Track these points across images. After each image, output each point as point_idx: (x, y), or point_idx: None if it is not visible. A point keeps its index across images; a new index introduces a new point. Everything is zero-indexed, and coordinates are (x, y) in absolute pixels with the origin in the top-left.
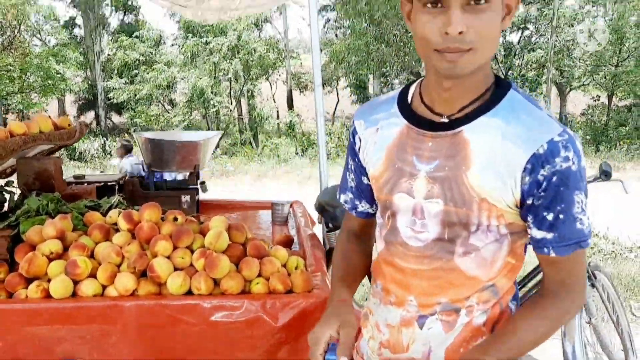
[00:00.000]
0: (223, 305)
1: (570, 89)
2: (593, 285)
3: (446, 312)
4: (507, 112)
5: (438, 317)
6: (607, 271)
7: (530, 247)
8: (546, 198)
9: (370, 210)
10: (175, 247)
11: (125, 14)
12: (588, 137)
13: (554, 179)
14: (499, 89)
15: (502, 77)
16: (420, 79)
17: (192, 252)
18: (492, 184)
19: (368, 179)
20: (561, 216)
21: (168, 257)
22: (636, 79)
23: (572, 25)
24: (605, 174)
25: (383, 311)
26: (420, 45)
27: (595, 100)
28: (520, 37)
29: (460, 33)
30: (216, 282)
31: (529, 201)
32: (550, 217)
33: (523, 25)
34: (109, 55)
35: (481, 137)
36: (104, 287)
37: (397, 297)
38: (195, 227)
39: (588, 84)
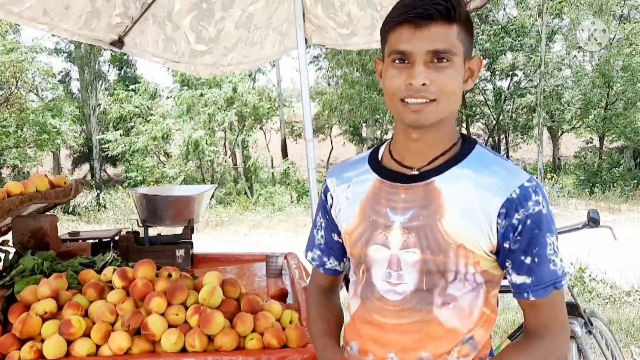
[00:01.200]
0: None
1: (562, 132)
2: (590, 333)
3: None
4: (477, 163)
5: None
6: (603, 317)
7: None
8: (522, 242)
9: (338, 268)
10: (169, 304)
11: (121, 68)
12: (582, 178)
13: (528, 222)
14: (465, 144)
15: (494, 121)
16: (389, 140)
17: (187, 308)
18: (468, 230)
19: (339, 236)
20: (536, 259)
21: (162, 314)
22: (626, 122)
23: (560, 70)
24: (593, 221)
25: None
26: (388, 98)
27: (587, 143)
28: (510, 83)
29: (423, 85)
30: (210, 339)
31: (506, 245)
32: (527, 260)
33: (512, 72)
34: (104, 108)
35: (453, 186)
36: (98, 347)
37: (376, 356)
38: (189, 283)
39: (579, 127)
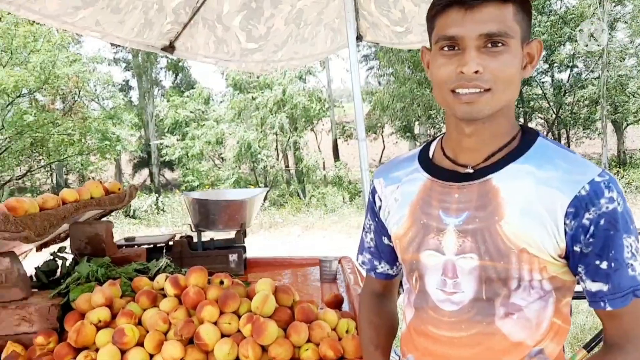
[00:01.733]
0: None
1: (627, 125)
2: None
3: None
4: (539, 158)
5: None
6: None
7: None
8: (596, 245)
9: (391, 272)
10: (221, 312)
11: (177, 74)
12: None
13: (602, 222)
14: (526, 137)
15: (554, 115)
16: (441, 135)
17: (239, 316)
18: (530, 232)
19: (389, 239)
20: (613, 264)
21: (214, 323)
22: None
23: (624, 59)
24: None
25: None
26: (437, 90)
27: None
28: (570, 74)
29: (476, 72)
30: (264, 349)
31: (577, 249)
32: (604, 265)
33: (572, 64)
34: (161, 114)
35: (512, 184)
36: (151, 356)
37: None
38: (241, 290)
39: None
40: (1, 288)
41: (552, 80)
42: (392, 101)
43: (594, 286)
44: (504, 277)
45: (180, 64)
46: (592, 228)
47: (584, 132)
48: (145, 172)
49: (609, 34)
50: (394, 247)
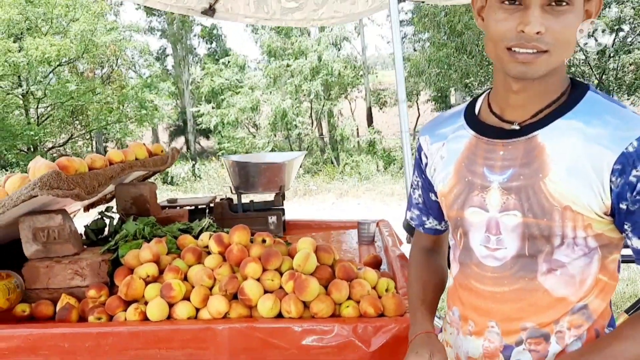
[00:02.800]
0: (314, 329)
1: None
2: None
3: (534, 339)
4: (587, 113)
5: (526, 347)
6: None
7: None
8: None
9: (439, 227)
10: (264, 270)
11: (211, 42)
12: None
13: None
14: (575, 91)
15: (597, 81)
16: (488, 90)
17: (281, 274)
18: (575, 190)
19: (436, 196)
20: None
21: (258, 280)
22: None
23: None
24: None
25: (462, 342)
26: (491, 44)
27: None
28: (615, 38)
29: (538, 33)
30: (306, 305)
31: (623, 206)
32: None
33: (617, 27)
34: (197, 82)
35: (559, 141)
36: (197, 310)
37: (477, 325)
38: (283, 249)
39: None
40: (54, 244)
41: (596, 44)
42: (427, 66)
43: None
44: (547, 234)
45: (215, 31)
46: (639, 185)
47: (629, 99)
48: (181, 140)
49: None
50: (440, 204)
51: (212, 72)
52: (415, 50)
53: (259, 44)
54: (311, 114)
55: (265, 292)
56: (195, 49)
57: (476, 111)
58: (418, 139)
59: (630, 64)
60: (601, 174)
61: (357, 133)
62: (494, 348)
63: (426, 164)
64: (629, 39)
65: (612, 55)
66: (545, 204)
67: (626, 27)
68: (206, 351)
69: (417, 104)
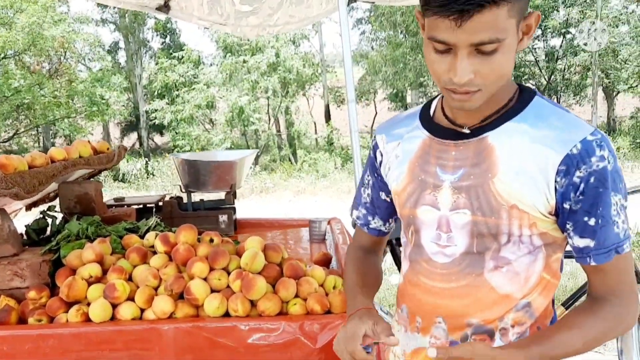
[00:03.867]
0: (260, 328)
1: (618, 92)
2: None
3: (479, 335)
4: (535, 117)
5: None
6: None
7: (566, 264)
8: (585, 202)
9: (383, 228)
10: (211, 269)
11: (165, 36)
12: (638, 141)
13: (592, 180)
14: (522, 96)
15: (545, 82)
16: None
17: (229, 273)
18: (521, 190)
19: (386, 195)
20: (600, 221)
21: (204, 279)
22: None
23: (617, 26)
24: None
25: (410, 339)
26: (431, 74)
27: None
28: (562, 41)
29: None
30: (253, 304)
31: (566, 206)
32: (592, 222)
33: (565, 30)
34: (150, 77)
35: (507, 142)
36: (142, 310)
37: (424, 321)
38: (231, 248)
39: (636, 86)
40: None
41: (545, 47)
42: (384, 65)
43: (581, 242)
44: (494, 232)
45: (169, 25)
46: (582, 186)
47: (575, 99)
48: (133, 136)
49: (604, 0)
50: (389, 204)
51: (166, 67)
52: (372, 48)
53: (214, 39)
54: (268, 110)
55: (212, 291)
56: (148, 42)
57: (431, 113)
58: (374, 137)
59: (577, 66)
60: (547, 175)
61: (315, 130)
62: (439, 344)
63: (381, 162)
64: (576, 42)
65: (560, 57)
66: (494, 202)
67: (573, 30)
68: (151, 352)
69: (375, 102)
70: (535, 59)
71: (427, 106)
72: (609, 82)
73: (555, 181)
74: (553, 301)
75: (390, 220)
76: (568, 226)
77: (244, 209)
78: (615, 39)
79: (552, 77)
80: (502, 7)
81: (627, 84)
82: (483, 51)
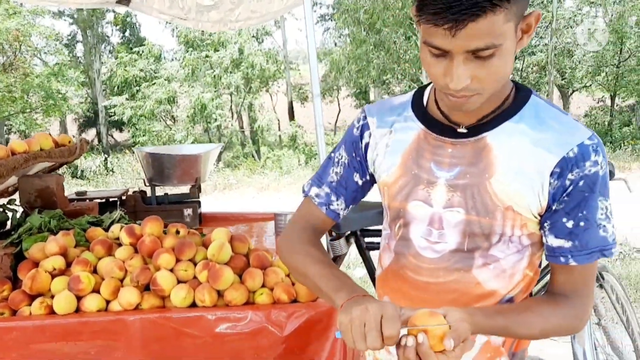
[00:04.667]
0: (227, 317)
1: (573, 91)
2: (601, 286)
3: None
4: (533, 118)
5: None
6: (614, 272)
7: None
8: (569, 203)
9: (341, 212)
10: (178, 260)
11: (125, 30)
12: None
13: (581, 183)
14: (519, 95)
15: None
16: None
17: (195, 264)
18: (519, 191)
19: (361, 177)
20: (582, 223)
21: (171, 270)
22: (638, 79)
23: (572, 27)
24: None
25: None
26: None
27: (598, 102)
28: None
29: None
30: (220, 294)
31: (553, 206)
32: (569, 224)
33: (533, 34)
34: (109, 71)
35: (506, 143)
36: (108, 302)
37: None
38: (197, 239)
39: (590, 85)
40: None
41: None
42: (347, 62)
43: (555, 242)
44: (487, 232)
45: (129, 19)
46: (570, 188)
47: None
48: (92, 132)
49: (559, 1)
50: (359, 187)
51: (126, 61)
52: (336, 45)
53: (176, 33)
54: (231, 107)
55: (179, 282)
56: (108, 37)
57: (424, 102)
58: (363, 116)
59: (534, 65)
60: (542, 176)
61: (279, 127)
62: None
63: (367, 144)
64: (533, 42)
65: (517, 56)
66: (489, 203)
67: None
68: (117, 342)
69: (338, 99)
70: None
71: (419, 94)
72: (565, 82)
73: (550, 183)
74: (531, 294)
75: (349, 207)
76: (545, 224)
77: (207, 205)
78: (570, 39)
79: (511, 76)
80: (498, 14)
81: (581, 83)
82: (480, 56)
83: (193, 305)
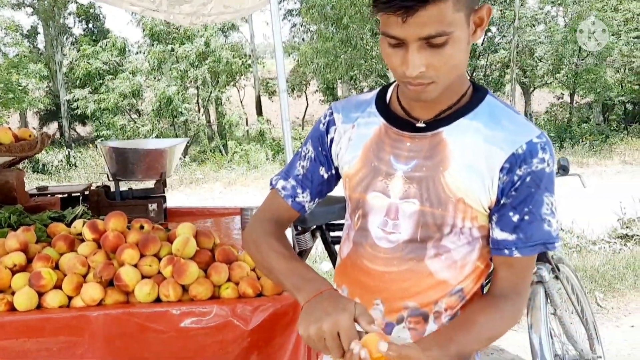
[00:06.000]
0: (192, 312)
1: (534, 88)
2: (557, 278)
3: (414, 318)
4: (487, 116)
5: (406, 325)
6: (570, 264)
7: None
8: (516, 198)
9: (306, 205)
10: (142, 255)
11: (88, 22)
12: (552, 134)
13: (528, 179)
14: (476, 94)
15: (469, 76)
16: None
17: (160, 259)
18: (470, 184)
19: (326, 171)
20: (527, 217)
21: (135, 266)
22: (595, 77)
23: (534, 26)
24: (563, 169)
25: None
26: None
27: (558, 99)
28: (484, 38)
29: (419, 72)
30: (185, 289)
31: (502, 201)
32: (515, 218)
33: (486, 27)
34: (71, 64)
35: (461, 139)
36: (70, 298)
37: (363, 303)
38: (162, 234)
39: (551, 83)
40: None
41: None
42: (315, 57)
43: (500, 235)
44: (439, 222)
45: (92, 10)
46: (518, 183)
47: (495, 93)
48: (54, 126)
49: (521, 0)
50: (324, 181)
51: (89, 54)
52: (303, 40)
53: (141, 26)
54: (198, 101)
55: (143, 277)
56: (70, 28)
57: (387, 100)
58: (329, 112)
59: (497, 63)
60: (493, 171)
61: (246, 122)
62: (376, 325)
63: (332, 139)
64: (496, 39)
65: (481, 54)
66: (442, 195)
67: (494, 29)
68: (80, 338)
69: (306, 94)
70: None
71: (383, 91)
72: (526, 79)
73: (499, 178)
74: (482, 287)
75: (315, 200)
76: (493, 218)
77: (174, 200)
78: (532, 37)
79: (474, 73)
80: (447, 1)
81: (542, 81)
82: (433, 44)
83: (157, 300)
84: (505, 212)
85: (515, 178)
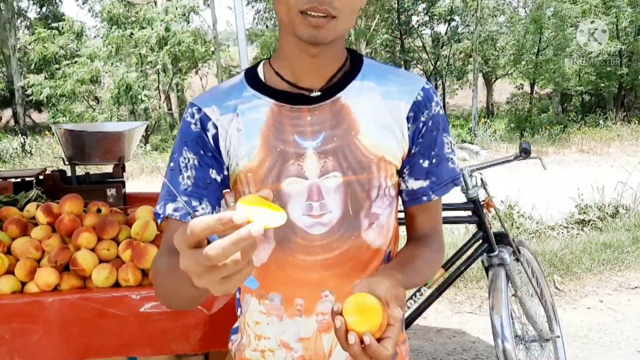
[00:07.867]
0: (153, 296)
1: (496, 78)
2: (518, 260)
3: None
4: (373, 75)
5: None
6: (530, 247)
7: None
8: (422, 144)
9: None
10: (99, 239)
11: (42, 5)
12: (512, 124)
13: (430, 123)
14: (354, 57)
15: (432, 67)
16: (265, 60)
17: (118, 243)
18: (385, 141)
19: (218, 173)
20: (434, 160)
21: (92, 250)
22: (555, 68)
23: (496, 16)
24: (524, 152)
25: (289, 326)
26: (284, 7)
27: (519, 89)
28: (447, 28)
29: None
30: (145, 273)
31: (413, 150)
32: (425, 164)
33: (450, 17)
34: (26, 48)
35: (360, 100)
36: (23, 284)
37: (307, 302)
38: (120, 218)
39: (512, 73)
40: None
41: (432, 33)
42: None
43: (415, 184)
44: (367, 188)
45: None
46: (423, 129)
47: (457, 84)
48: (8, 112)
49: None
50: (220, 184)
51: (44, 37)
52: (267, 27)
53: (99, 9)
54: (158, 87)
55: (101, 261)
56: (25, 11)
57: (263, 79)
58: (197, 109)
59: (460, 52)
60: (400, 123)
61: None
62: (328, 320)
63: (216, 135)
64: (460, 29)
65: (445, 43)
66: (363, 158)
67: (457, 18)
68: (34, 325)
69: None
70: (423, 45)
71: (250, 74)
72: (489, 69)
73: (407, 127)
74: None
75: (217, 207)
76: (405, 170)
77: (134, 189)
78: (494, 28)
79: (438, 62)
80: None
81: (504, 71)
82: None
83: (116, 285)
84: (416, 160)
85: (421, 125)
